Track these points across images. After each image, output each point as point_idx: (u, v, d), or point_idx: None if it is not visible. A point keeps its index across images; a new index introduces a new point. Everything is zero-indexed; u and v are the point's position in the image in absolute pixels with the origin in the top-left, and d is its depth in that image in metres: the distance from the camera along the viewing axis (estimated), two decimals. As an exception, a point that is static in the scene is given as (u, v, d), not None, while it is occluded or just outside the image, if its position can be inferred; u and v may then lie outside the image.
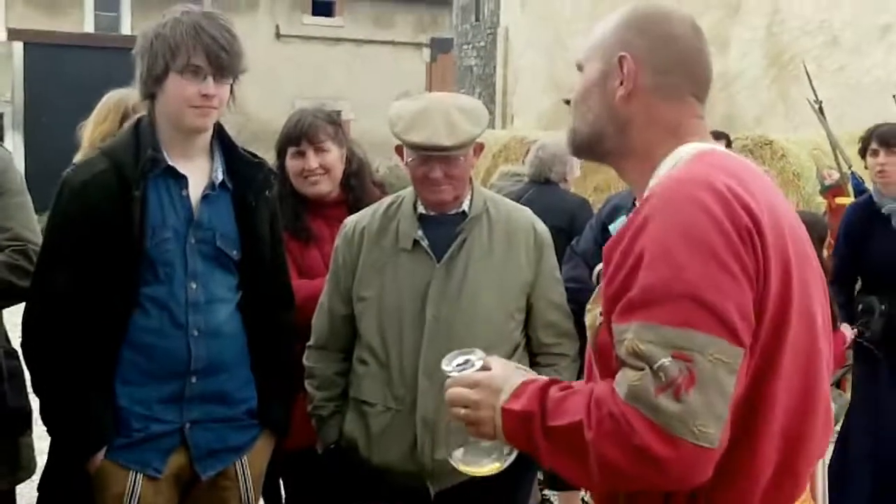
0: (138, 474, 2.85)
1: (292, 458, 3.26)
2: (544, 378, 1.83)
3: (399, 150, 3.12)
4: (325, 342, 3.20)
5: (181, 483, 2.95)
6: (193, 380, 2.87)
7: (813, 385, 1.77)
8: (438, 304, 3.01)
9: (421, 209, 3.11)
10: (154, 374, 2.85)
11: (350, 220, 3.23)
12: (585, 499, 5.06)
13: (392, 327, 3.04)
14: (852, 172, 7.56)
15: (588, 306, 1.86)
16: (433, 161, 2.98)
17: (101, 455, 2.83)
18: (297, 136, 3.55)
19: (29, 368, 2.90)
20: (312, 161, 3.53)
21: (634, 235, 1.70)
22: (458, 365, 1.94)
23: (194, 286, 2.87)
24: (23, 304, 2.93)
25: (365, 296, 3.10)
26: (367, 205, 3.39)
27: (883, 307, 4.87)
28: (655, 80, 1.85)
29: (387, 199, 3.25)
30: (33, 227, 3.19)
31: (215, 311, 2.91)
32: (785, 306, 1.70)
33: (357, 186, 3.65)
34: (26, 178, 3.49)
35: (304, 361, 3.21)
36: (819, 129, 8.23)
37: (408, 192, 3.18)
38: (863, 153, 5.02)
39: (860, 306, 4.90)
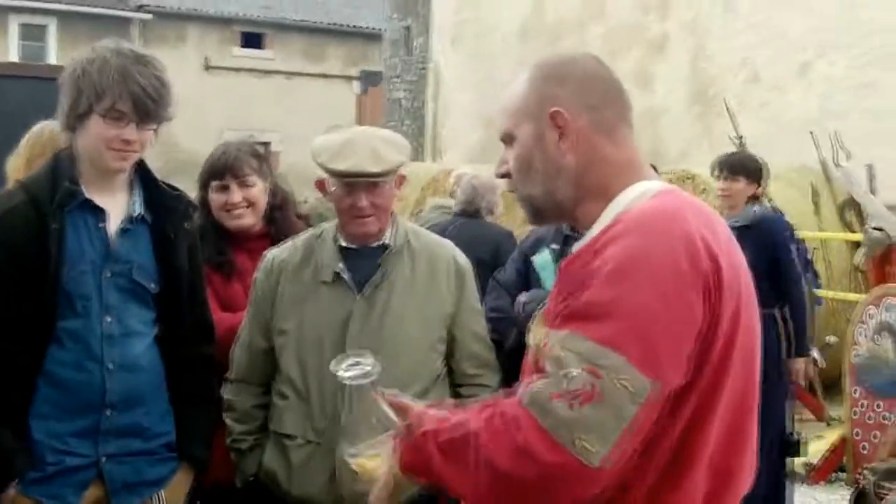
0: None
1: (212, 492, 3.22)
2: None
3: (320, 184, 3.13)
4: (244, 375, 3.19)
5: (96, 518, 2.91)
6: (108, 413, 2.84)
7: (744, 424, 1.81)
8: (359, 337, 3.01)
9: (342, 242, 3.12)
10: (69, 408, 2.82)
11: (270, 254, 3.22)
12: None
13: (312, 360, 3.03)
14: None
15: (531, 326, 1.88)
16: (359, 190, 2.99)
17: (13, 489, 2.78)
18: (221, 170, 3.53)
19: None
20: (236, 195, 3.52)
21: (594, 255, 1.73)
22: (348, 367, 1.99)
23: (109, 319, 2.85)
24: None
25: (285, 329, 3.09)
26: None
27: None
28: (591, 119, 1.87)
29: (307, 232, 3.26)
30: None
31: (131, 344, 2.88)
32: (728, 352, 1.73)
33: (280, 219, 3.64)
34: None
35: (223, 394, 3.19)
36: (741, 165, 8.37)
37: (329, 225, 3.19)
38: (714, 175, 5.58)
39: None
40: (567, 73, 1.90)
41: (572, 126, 1.85)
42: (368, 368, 1.99)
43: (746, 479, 1.86)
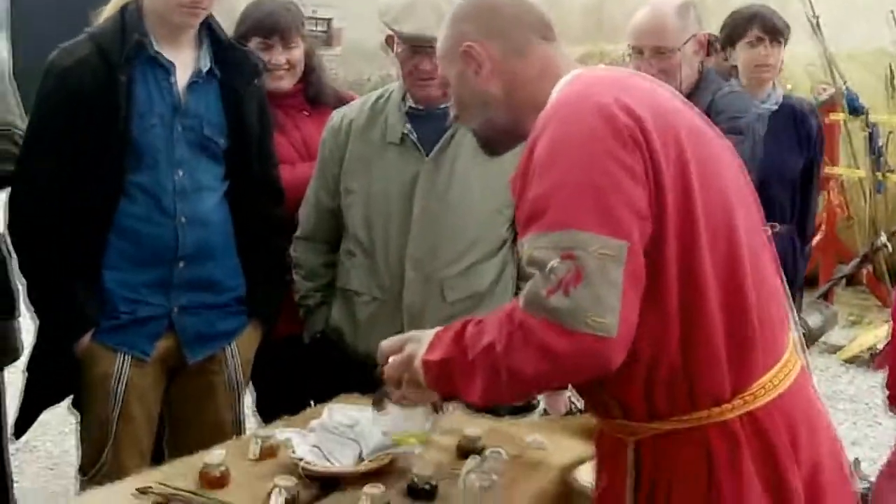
0: (126, 356, 2.88)
1: (281, 346, 3.28)
2: (460, 322, 1.89)
3: (389, 40, 3.09)
4: (311, 233, 3.21)
5: (169, 368, 2.98)
6: (181, 266, 2.88)
7: (739, 267, 1.81)
8: (426, 198, 3.01)
9: (410, 103, 3.09)
10: (141, 260, 2.86)
11: (337, 113, 3.21)
12: (572, 398, 5.08)
13: (379, 220, 3.04)
14: (847, 88, 7.54)
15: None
16: (423, 54, 2.96)
17: (87, 337, 2.85)
18: (269, 29, 3.43)
19: (15, 252, 2.91)
20: (280, 56, 3.45)
21: (529, 155, 1.80)
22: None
23: (181, 174, 2.87)
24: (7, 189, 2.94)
25: (352, 188, 3.09)
26: (326, 100, 3.46)
27: None
28: (500, 45, 1.95)
29: (375, 93, 3.23)
30: (17, 112, 3.15)
31: (202, 199, 2.91)
32: (687, 197, 1.76)
33: (316, 82, 3.59)
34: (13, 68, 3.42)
35: (291, 252, 3.22)
36: (815, 46, 8.17)
37: (396, 85, 3.16)
38: (726, 43, 4.28)
39: None
40: (471, 10, 2.01)
41: (485, 56, 1.94)
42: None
43: (776, 312, 1.88)
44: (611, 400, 1.89)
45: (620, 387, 1.84)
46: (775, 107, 4.21)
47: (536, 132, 1.79)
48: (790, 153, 4.25)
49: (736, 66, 4.26)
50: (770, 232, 3.86)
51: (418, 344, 1.94)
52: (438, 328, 1.93)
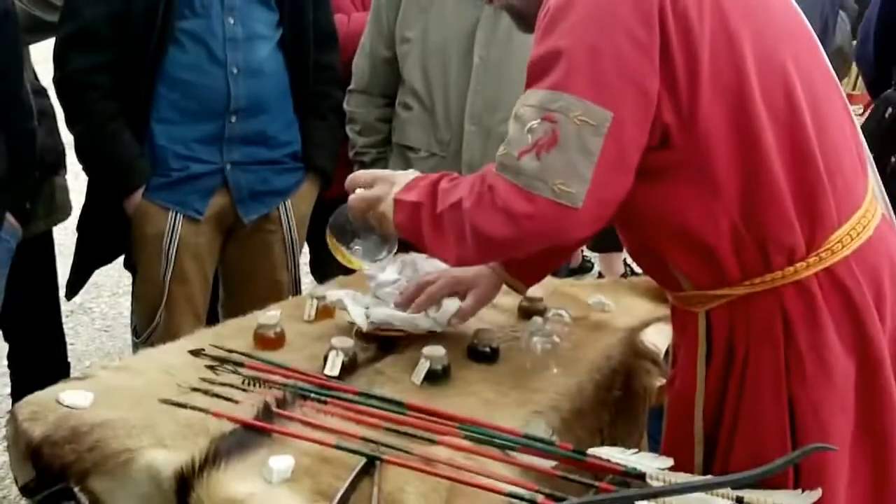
0: (178, 215, 2.82)
1: (335, 206, 3.19)
2: (438, 174, 1.87)
3: None
4: (366, 86, 3.09)
5: (223, 226, 2.93)
6: (233, 119, 2.80)
7: (798, 113, 1.70)
8: (486, 47, 2.87)
9: (469, -58, 2.92)
10: (192, 113, 2.77)
11: None
12: (627, 261, 5.01)
13: (437, 70, 2.92)
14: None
15: None
16: None
17: (139, 194, 2.79)
18: None
19: (61, 103, 2.83)
20: None
21: (543, 15, 1.72)
22: None
23: (231, 21, 2.76)
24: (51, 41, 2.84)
25: (408, 37, 2.96)
26: None
27: None
28: None
29: None
30: None
31: (255, 48, 2.81)
32: (731, 47, 1.66)
33: None
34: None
35: (345, 106, 3.12)
36: None
37: (450, -76, 2.98)
38: None
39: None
40: None
41: None
42: None
43: (840, 161, 1.75)
44: (678, 274, 1.81)
45: (683, 260, 1.77)
46: None
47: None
48: None
49: None
50: None
51: (390, 185, 1.91)
52: (416, 172, 1.93)
